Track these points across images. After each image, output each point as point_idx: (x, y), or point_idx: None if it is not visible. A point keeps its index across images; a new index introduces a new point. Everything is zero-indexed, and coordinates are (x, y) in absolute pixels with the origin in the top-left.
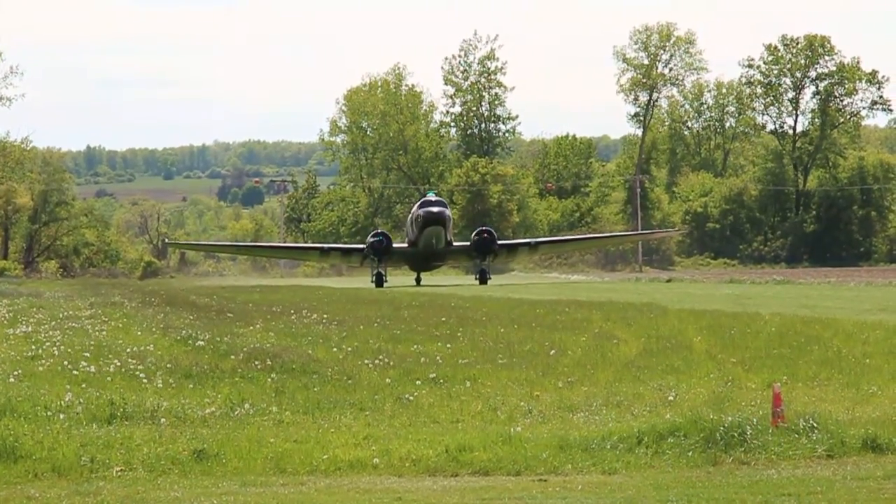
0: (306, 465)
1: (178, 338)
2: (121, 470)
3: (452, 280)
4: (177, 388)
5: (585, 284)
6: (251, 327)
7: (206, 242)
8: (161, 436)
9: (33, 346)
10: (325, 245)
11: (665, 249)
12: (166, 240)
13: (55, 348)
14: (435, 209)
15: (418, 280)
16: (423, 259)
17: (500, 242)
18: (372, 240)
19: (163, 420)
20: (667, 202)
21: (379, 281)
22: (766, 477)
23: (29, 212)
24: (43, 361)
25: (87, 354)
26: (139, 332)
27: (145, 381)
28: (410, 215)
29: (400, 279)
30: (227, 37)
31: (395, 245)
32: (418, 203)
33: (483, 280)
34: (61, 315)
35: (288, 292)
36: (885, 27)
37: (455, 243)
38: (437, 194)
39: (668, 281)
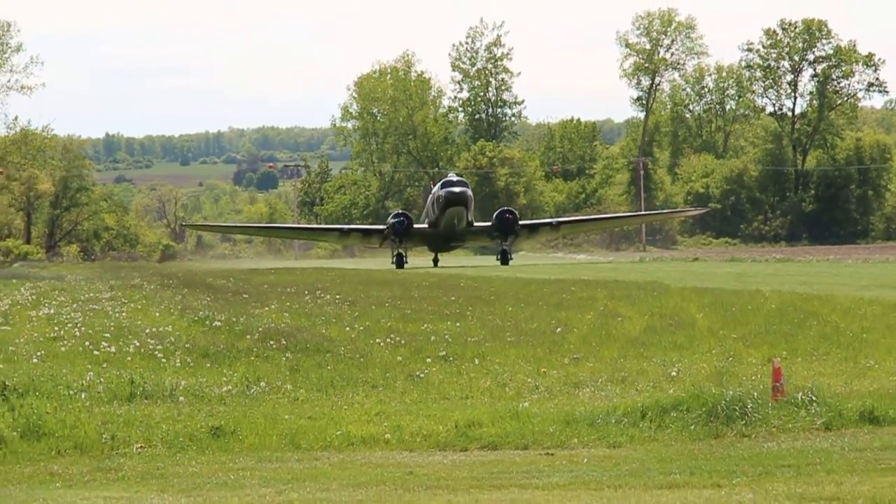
0: (320, 440)
1: (196, 318)
2: (140, 446)
3: (473, 261)
4: (194, 368)
5: (590, 264)
6: (266, 308)
7: (227, 224)
8: (179, 413)
9: (55, 328)
10: (346, 226)
11: (668, 229)
12: (183, 223)
13: (77, 329)
14: (457, 189)
15: (436, 261)
16: (443, 240)
17: (521, 223)
18: (393, 221)
19: (181, 398)
20: (669, 183)
21: (399, 262)
22: (766, 449)
23: (50, 198)
24: (65, 342)
25: (108, 335)
26: (158, 314)
27: (164, 360)
28: (431, 195)
29: (419, 260)
30: (241, 26)
31: (415, 226)
32: (440, 183)
33: (505, 261)
34: (82, 297)
35: (302, 274)
36: (881, 10)
37: (476, 223)
38: (458, 174)
39: (695, 259)
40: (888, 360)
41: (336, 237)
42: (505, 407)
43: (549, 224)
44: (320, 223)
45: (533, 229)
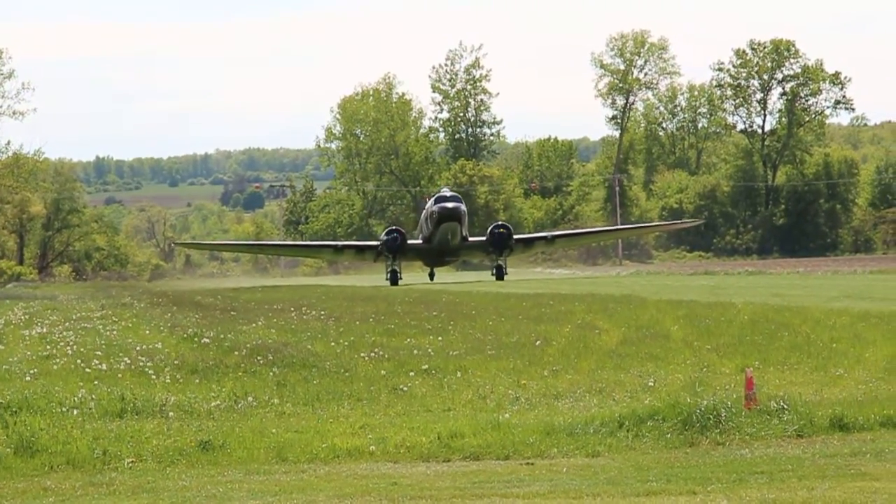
0: (307, 453)
1: (185, 336)
2: (131, 461)
3: (468, 277)
4: (184, 384)
5: (569, 279)
6: (253, 324)
7: (221, 242)
8: (169, 428)
9: (48, 346)
10: (340, 242)
11: (643, 244)
12: (174, 242)
13: (69, 348)
14: (450, 204)
15: (432, 276)
16: (437, 255)
17: (516, 237)
18: (386, 237)
19: (171, 414)
20: (644, 199)
21: (394, 279)
22: (739, 456)
23: (42, 219)
24: (57, 360)
25: (99, 353)
26: (148, 331)
27: (154, 377)
28: (425, 211)
29: (413, 276)
30: (227, 50)
31: (409, 242)
32: (433, 198)
33: (500, 276)
34: (74, 316)
35: (288, 291)
36: (846, 30)
37: (470, 238)
38: (451, 189)
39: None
40: (857, 369)
41: (330, 253)
42: (486, 418)
43: (545, 238)
44: (307, 241)
45: (528, 243)
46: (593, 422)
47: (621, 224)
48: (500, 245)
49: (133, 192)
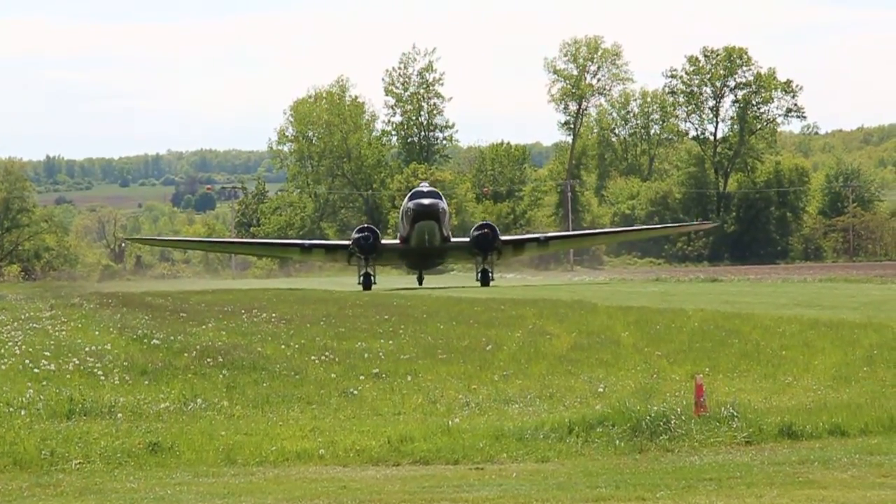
0: (256, 456)
1: (134, 337)
2: (79, 463)
3: (451, 282)
4: (133, 385)
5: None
6: (203, 326)
7: (182, 238)
8: (118, 430)
9: None
10: (307, 241)
11: (595, 250)
12: (128, 239)
13: (17, 348)
14: (426, 201)
15: (420, 279)
16: (418, 256)
17: (504, 238)
18: (357, 236)
19: (119, 415)
20: (596, 205)
21: (367, 282)
22: (689, 463)
23: None
24: (5, 360)
25: (48, 353)
26: (97, 332)
27: (103, 378)
28: (402, 208)
29: (390, 281)
30: (179, 51)
31: (384, 241)
32: (409, 194)
33: (485, 281)
34: (23, 316)
35: (239, 293)
36: (799, 39)
37: (453, 240)
38: (430, 184)
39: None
40: (806, 377)
41: (297, 253)
42: (436, 423)
43: (537, 240)
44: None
45: (518, 245)
46: (543, 427)
47: (573, 230)
48: (485, 247)
49: (84, 192)
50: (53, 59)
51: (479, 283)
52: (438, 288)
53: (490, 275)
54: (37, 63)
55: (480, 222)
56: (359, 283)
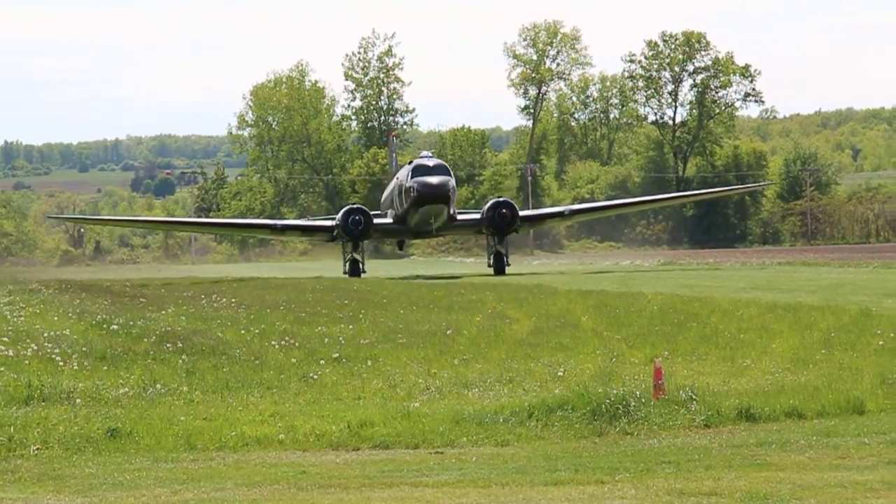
0: (215, 441)
1: (94, 322)
2: (38, 448)
3: (458, 269)
4: (91, 371)
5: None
6: (163, 311)
7: (146, 218)
8: (76, 415)
9: None
10: (279, 222)
11: (555, 234)
12: (49, 215)
13: None
14: (434, 180)
15: (401, 245)
16: (412, 236)
17: (522, 214)
18: (345, 220)
19: (78, 401)
20: (556, 189)
21: (354, 269)
22: (647, 446)
23: None
24: None
25: (6, 339)
26: (56, 318)
27: (61, 363)
28: (397, 182)
29: (378, 266)
30: (138, 36)
31: (376, 221)
32: (410, 168)
33: (500, 268)
34: None
35: (200, 279)
36: (757, 24)
37: (460, 216)
38: (433, 155)
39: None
40: (764, 360)
41: (268, 233)
42: (396, 407)
43: (561, 214)
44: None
45: (536, 221)
46: (503, 411)
47: None
48: (503, 228)
49: (42, 178)
50: (9, 45)
51: (491, 270)
52: (445, 277)
53: (505, 259)
54: None
55: (496, 199)
56: (345, 272)
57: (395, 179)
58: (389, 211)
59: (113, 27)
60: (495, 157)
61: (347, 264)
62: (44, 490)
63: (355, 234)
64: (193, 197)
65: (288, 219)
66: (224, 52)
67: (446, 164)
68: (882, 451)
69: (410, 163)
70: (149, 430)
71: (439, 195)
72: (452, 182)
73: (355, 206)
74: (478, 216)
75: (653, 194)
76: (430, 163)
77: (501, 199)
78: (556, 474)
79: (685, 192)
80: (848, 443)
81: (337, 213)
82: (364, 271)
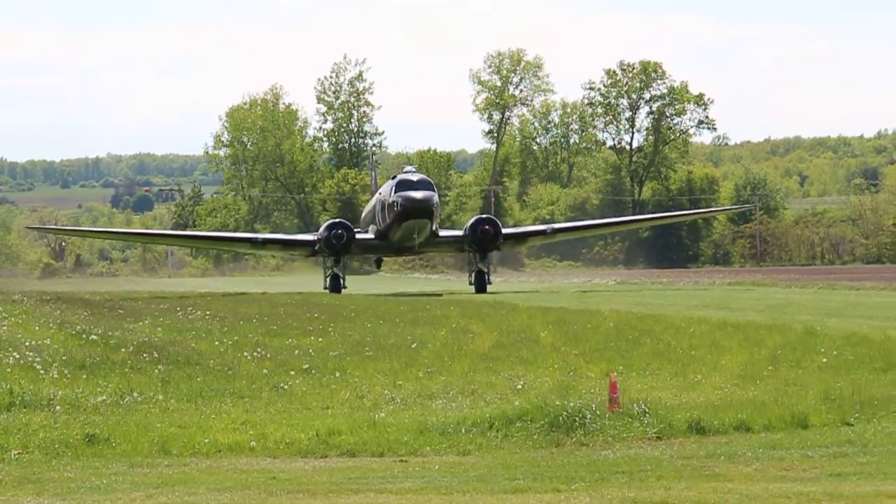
0: (189, 447)
1: (73, 332)
2: (18, 453)
3: (440, 286)
4: (71, 379)
5: (452, 284)
6: (140, 323)
7: (131, 231)
8: (56, 422)
9: None
10: (260, 236)
11: (516, 252)
12: (28, 225)
13: None
14: (418, 194)
15: (378, 263)
16: (394, 252)
17: (506, 232)
18: (327, 233)
19: (58, 407)
20: (518, 210)
21: (336, 285)
22: (602, 457)
23: None
24: None
25: None
26: (37, 328)
27: (42, 371)
28: (380, 196)
29: (359, 283)
30: (119, 58)
31: (358, 236)
32: (394, 183)
33: (481, 286)
34: None
35: (173, 291)
36: (711, 54)
37: (443, 233)
38: (416, 169)
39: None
40: (713, 375)
41: (248, 247)
42: (363, 417)
43: (543, 232)
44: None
45: (519, 239)
46: (465, 422)
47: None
48: (485, 245)
49: (26, 193)
50: None
51: (473, 289)
52: (424, 295)
53: (487, 277)
54: None
55: (479, 215)
56: (325, 287)
57: (377, 195)
58: (371, 226)
59: (95, 49)
60: (460, 178)
61: (328, 279)
62: (24, 493)
63: (337, 248)
64: (171, 213)
65: (342, 220)
66: (201, 74)
67: (430, 179)
68: (825, 464)
69: (394, 177)
70: (125, 436)
71: (423, 209)
72: (436, 197)
73: (338, 220)
74: (460, 233)
75: (624, 215)
76: (414, 177)
77: (484, 217)
78: (515, 483)
79: (669, 213)
80: (792, 455)
81: (308, 230)
82: (345, 287)
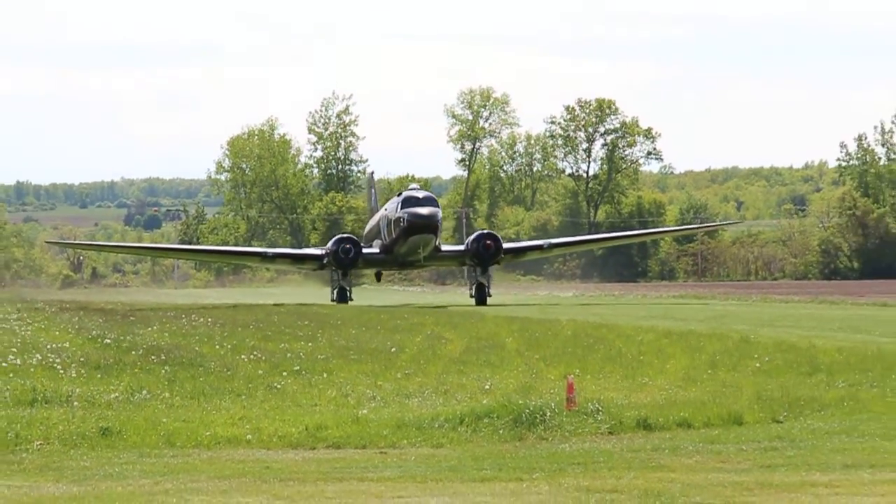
0: (192, 440)
1: (89, 337)
2: (40, 444)
3: (443, 299)
4: (87, 378)
5: (426, 295)
6: (149, 328)
7: (145, 245)
8: (73, 416)
9: None
10: (270, 250)
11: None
12: (47, 240)
13: None
14: (424, 211)
15: (378, 276)
16: (398, 266)
17: (505, 247)
18: (336, 247)
19: (75, 403)
20: (487, 230)
21: (342, 297)
22: (560, 450)
23: None
24: None
25: (14, 350)
26: (57, 332)
27: (61, 371)
28: (386, 213)
29: (363, 295)
30: (133, 93)
31: (364, 251)
32: (400, 200)
33: (481, 298)
34: None
35: (178, 300)
36: (659, 93)
37: (445, 248)
38: (421, 187)
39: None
40: (659, 378)
41: (258, 261)
42: (347, 413)
43: (539, 247)
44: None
45: (518, 253)
46: (438, 418)
47: None
48: (486, 259)
49: (48, 213)
50: (22, 99)
51: (473, 301)
52: (433, 306)
53: (487, 290)
54: (9, 102)
55: (481, 231)
56: (332, 300)
57: (381, 211)
58: (376, 241)
59: (110, 86)
60: None
61: (335, 292)
62: (45, 479)
63: (345, 262)
64: (177, 231)
65: (350, 235)
66: (205, 108)
67: (434, 196)
68: (757, 457)
69: (399, 194)
70: (135, 429)
71: (428, 225)
72: (440, 214)
73: (346, 235)
74: (462, 247)
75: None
76: (420, 195)
77: (486, 232)
78: (483, 472)
79: (654, 230)
80: (728, 449)
81: (299, 247)
82: (351, 299)
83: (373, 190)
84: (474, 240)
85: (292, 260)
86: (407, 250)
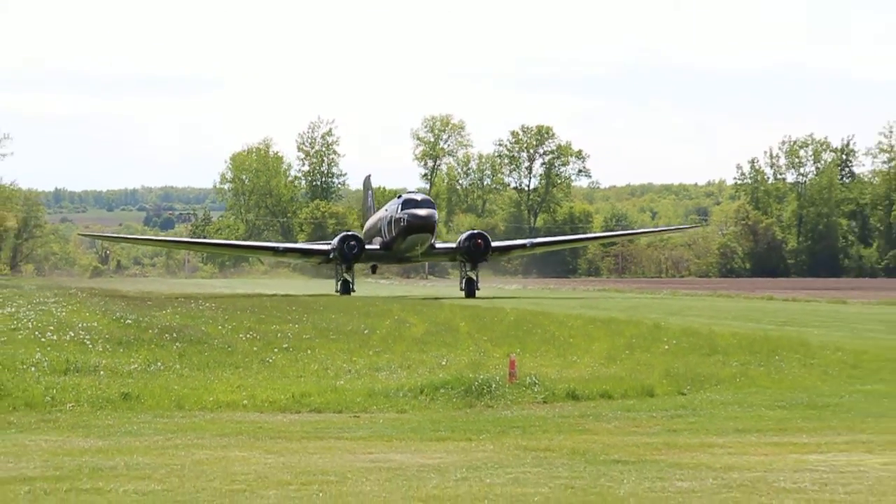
0: (198, 404)
1: (114, 318)
2: (72, 406)
3: (433, 291)
4: (112, 352)
5: (398, 287)
6: (163, 311)
7: (162, 238)
8: (100, 383)
9: (14, 322)
10: (281, 245)
11: (443, 264)
12: (80, 233)
13: (30, 323)
14: (423, 212)
15: (374, 269)
16: (395, 262)
17: (493, 245)
18: (341, 244)
19: (101, 373)
20: (445, 233)
21: (346, 289)
22: (503, 416)
23: (15, 231)
24: (21, 332)
25: (52, 328)
26: (87, 314)
27: (90, 346)
28: (386, 213)
29: (366, 287)
30: (154, 116)
31: (367, 247)
32: (400, 202)
33: (471, 292)
34: (34, 301)
35: (187, 287)
36: (588, 120)
37: (438, 245)
38: (418, 189)
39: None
40: (586, 357)
41: (270, 255)
42: (327, 383)
43: (523, 246)
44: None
45: (504, 251)
46: (403, 388)
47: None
48: (476, 256)
49: (81, 215)
50: (65, 121)
51: (463, 294)
52: (429, 298)
53: (475, 284)
54: (48, 120)
55: (471, 231)
56: (336, 291)
57: (382, 211)
58: (376, 238)
59: (136, 108)
60: None
61: (340, 283)
62: (76, 435)
63: (350, 257)
64: (188, 231)
65: (354, 233)
66: (212, 127)
67: (431, 198)
68: (665, 423)
69: (399, 197)
70: (151, 395)
71: (426, 225)
72: (437, 215)
73: (350, 232)
74: (454, 245)
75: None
76: (418, 197)
77: (476, 231)
78: (439, 433)
79: (625, 232)
80: (641, 416)
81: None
82: (354, 290)
83: (369, 192)
84: (466, 238)
85: (301, 254)
86: (405, 247)
